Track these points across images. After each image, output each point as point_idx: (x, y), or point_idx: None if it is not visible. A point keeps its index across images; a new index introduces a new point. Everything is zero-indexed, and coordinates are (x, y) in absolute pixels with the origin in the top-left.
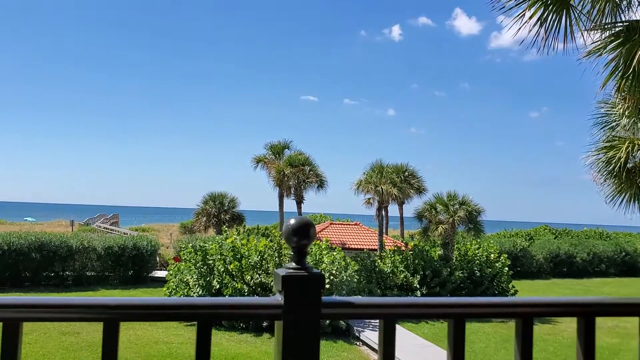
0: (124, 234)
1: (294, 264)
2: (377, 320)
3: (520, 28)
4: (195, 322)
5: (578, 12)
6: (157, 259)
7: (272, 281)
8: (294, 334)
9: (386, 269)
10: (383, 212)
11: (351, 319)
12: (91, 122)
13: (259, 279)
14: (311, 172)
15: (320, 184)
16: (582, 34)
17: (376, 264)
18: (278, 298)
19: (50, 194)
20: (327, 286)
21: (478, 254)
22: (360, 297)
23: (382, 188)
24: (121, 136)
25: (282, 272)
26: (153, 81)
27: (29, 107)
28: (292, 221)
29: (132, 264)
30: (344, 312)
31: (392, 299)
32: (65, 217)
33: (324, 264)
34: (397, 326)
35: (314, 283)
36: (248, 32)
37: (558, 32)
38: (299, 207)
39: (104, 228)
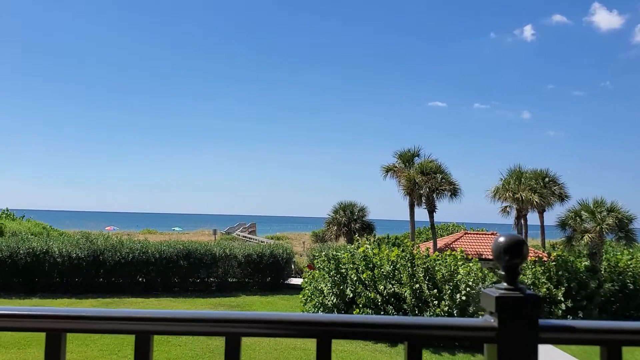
0: (261, 242)
1: (505, 284)
2: None
3: None
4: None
5: None
6: (292, 266)
7: (405, 292)
8: (510, 359)
9: (527, 281)
10: (522, 221)
11: (572, 344)
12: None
13: (392, 289)
14: (444, 180)
15: (454, 192)
16: None
17: None
18: (490, 320)
19: (194, 205)
20: (464, 298)
21: (631, 265)
22: (580, 321)
23: (521, 195)
24: (255, 149)
25: (494, 292)
26: (281, 92)
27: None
28: (502, 239)
29: (270, 271)
30: (565, 337)
31: (619, 323)
32: (208, 227)
33: (459, 275)
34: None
35: (530, 305)
36: (372, 42)
37: None
38: (431, 217)
39: (243, 237)
